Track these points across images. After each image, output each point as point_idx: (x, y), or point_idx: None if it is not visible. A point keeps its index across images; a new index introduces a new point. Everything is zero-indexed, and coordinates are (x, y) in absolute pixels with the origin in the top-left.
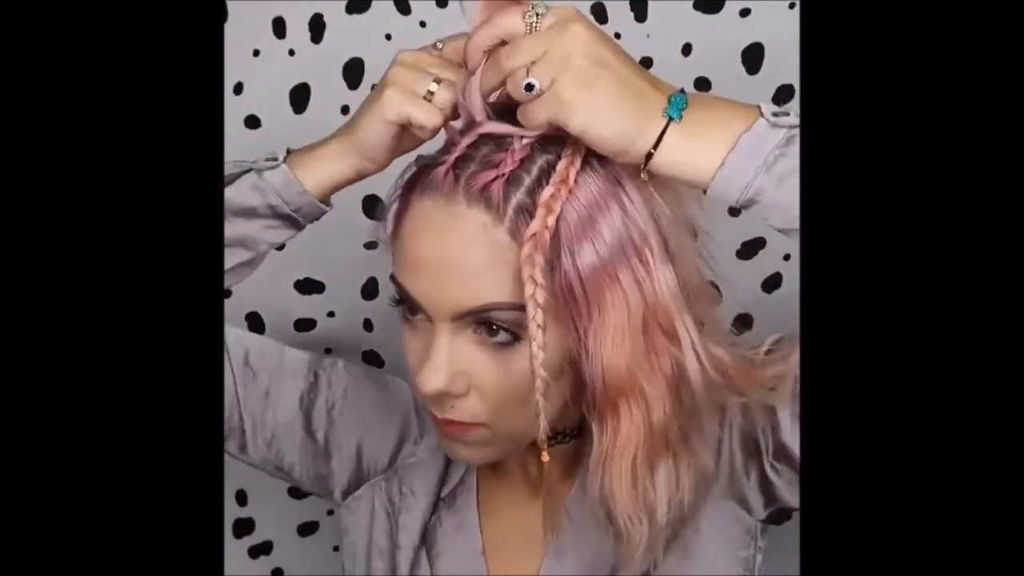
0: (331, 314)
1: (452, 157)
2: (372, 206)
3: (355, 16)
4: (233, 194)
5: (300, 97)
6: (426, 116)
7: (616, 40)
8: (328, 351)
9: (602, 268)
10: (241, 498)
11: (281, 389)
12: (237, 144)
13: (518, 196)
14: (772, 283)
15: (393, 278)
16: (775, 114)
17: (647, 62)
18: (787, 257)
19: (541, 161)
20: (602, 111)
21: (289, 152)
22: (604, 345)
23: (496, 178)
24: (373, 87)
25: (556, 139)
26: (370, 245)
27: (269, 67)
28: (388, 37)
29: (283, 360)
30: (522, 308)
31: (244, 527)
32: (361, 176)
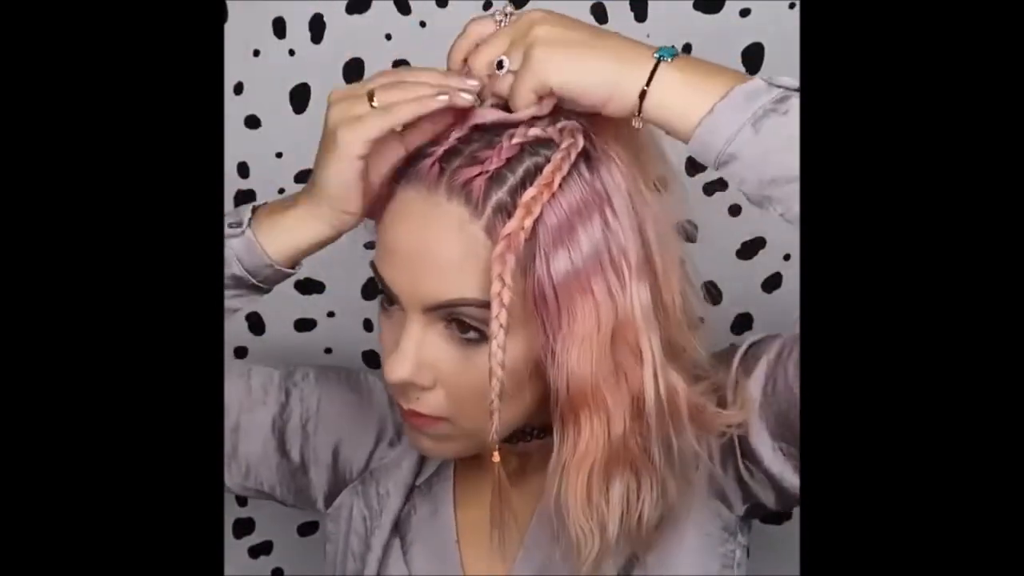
0: (331, 314)
1: (440, 149)
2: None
3: (355, 16)
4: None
5: (300, 97)
6: (383, 120)
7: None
8: (328, 351)
9: (575, 276)
10: (241, 498)
11: (252, 419)
12: (237, 144)
13: (499, 194)
14: (772, 283)
15: (373, 265)
16: (773, 80)
17: None
18: (787, 257)
19: (528, 163)
20: (579, 62)
21: (255, 210)
22: (570, 353)
23: (480, 174)
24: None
25: (546, 143)
26: (370, 245)
27: (269, 67)
28: (388, 37)
29: (250, 388)
30: (483, 304)
31: (244, 527)
32: (340, 233)
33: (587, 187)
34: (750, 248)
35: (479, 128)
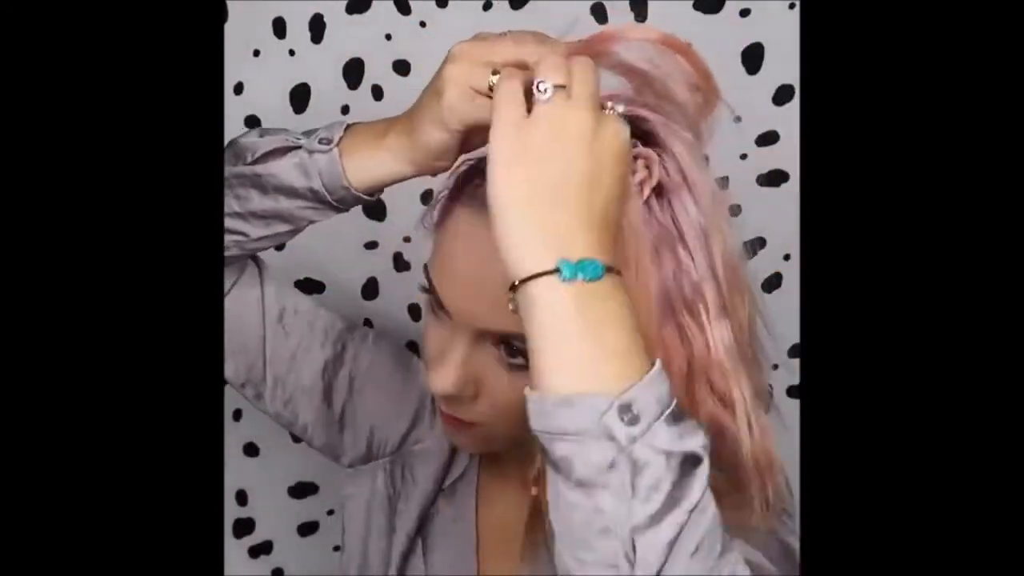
0: None
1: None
2: (372, 206)
3: (355, 16)
4: (276, 169)
5: (300, 97)
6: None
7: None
8: None
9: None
10: (241, 498)
11: (308, 355)
12: None
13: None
14: (772, 283)
15: (426, 269)
16: (623, 407)
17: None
18: (787, 257)
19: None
20: (524, 207)
21: (347, 129)
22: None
23: None
24: (373, 87)
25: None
26: (370, 245)
27: (269, 67)
28: (388, 37)
29: (314, 325)
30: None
31: (244, 527)
32: (423, 174)
33: (657, 224)
34: (750, 248)
35: None
